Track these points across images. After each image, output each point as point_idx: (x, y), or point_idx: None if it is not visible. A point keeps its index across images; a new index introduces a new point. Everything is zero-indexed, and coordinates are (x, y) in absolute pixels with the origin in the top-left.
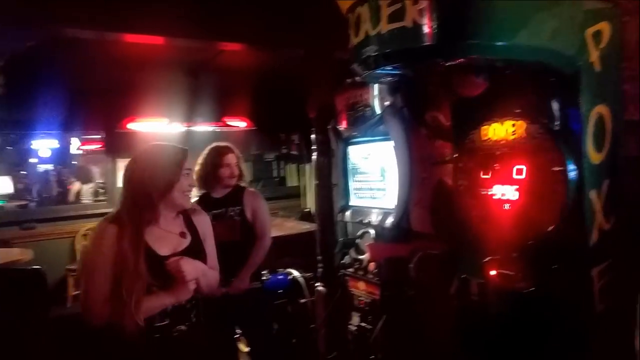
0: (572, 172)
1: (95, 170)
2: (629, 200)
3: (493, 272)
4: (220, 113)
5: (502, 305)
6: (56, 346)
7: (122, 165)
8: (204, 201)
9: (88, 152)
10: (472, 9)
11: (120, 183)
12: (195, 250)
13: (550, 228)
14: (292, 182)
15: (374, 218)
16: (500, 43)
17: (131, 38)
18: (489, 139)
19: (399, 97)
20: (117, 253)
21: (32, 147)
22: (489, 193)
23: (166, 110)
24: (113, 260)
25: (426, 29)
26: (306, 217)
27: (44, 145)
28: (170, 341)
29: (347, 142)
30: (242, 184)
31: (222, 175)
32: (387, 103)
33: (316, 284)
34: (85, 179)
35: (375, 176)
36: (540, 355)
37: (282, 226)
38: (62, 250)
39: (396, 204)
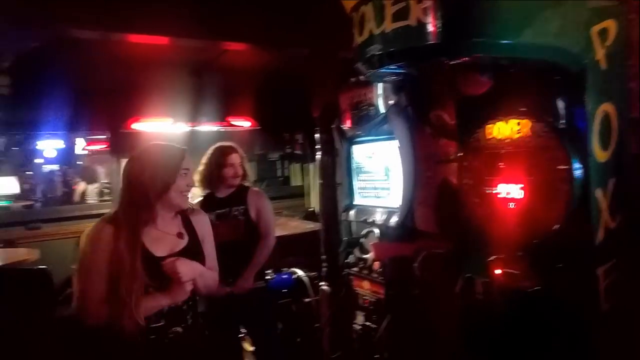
0: (577, 170)
1: (100, 171)
2: (635, 198)
3: (498, 271)
4: (224, 113)
5: (507, 305)
6: (62, 345)
7: None
8: (208, 201)
9: (93, 153)
10: (477, 7)
11: None
12: (193, 251)
13: (555, 227)
14: (296, 181)
15: (378, 217)
16: (505, 41)
17: (135, 38)
18: (493, 137)
19: (403, 96)
20: (113, 254)
21: (37, 147)
22: (494, 192)
23: (170, 110)
24: (109, 260)
25: (430, 28)
26: (310, 216)
27: (49, 146)
28: (166, 343)
29: (351, 141)
30: (246, 184)
31: (226, 175)
32: (391, 102)
33: (320, 283)
34: (91, 179)
35: (380, 175)
36: (546, 355)
37: (286, 225)
38: (68, 250)
39: (400, 203)
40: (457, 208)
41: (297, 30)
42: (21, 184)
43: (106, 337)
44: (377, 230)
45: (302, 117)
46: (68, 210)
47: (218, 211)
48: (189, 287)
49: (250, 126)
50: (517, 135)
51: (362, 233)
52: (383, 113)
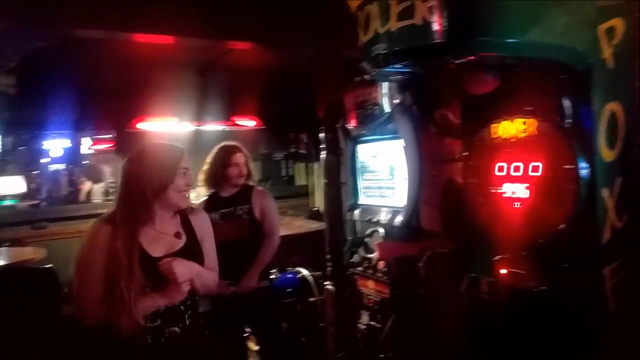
0: (583, 170)
1: (106, 170)
2: None
3: (503, 271)
4: (229, 112)
5: (512, 305)
6: (67, 344)
7: None
8: (212, 200)
9: (99, 152)
10: (482, 6)
11: None
12: (191, 251)
13: (561, 226)
14: (300, 181)
15: (383, 216)
16: (510, 40)
17: (140, 38)
18: (499, 136)
19: (408, 95)
20: (110, 253)
21: (43, 147)
22: (499, 191)
23: (175, 109)
24: (106, 260)
25: (436, 27)
26: (315, 216)
27: (55, 145)
28: (162, 342)
29: (356, 140)
30: (251, 183)
31: (231, 175)
32: (396, 101)
33: (325, 283)
34: (96, 178)
35: (384, 174)
36: (551, 355)
37: (290, 225)
38: (73, 249)
39: (405, 202)
40: (462, 207)
41: (302, 30)
42: (27, 183)
43: (104, 337)
44: (381, 230)
45: (306, 117)
46: (74, 210)
47: (222, 210)
48: (185, 287)
49: (255, 125)
50: (522, 135)
51: (366, 232)
52: (388, 112)
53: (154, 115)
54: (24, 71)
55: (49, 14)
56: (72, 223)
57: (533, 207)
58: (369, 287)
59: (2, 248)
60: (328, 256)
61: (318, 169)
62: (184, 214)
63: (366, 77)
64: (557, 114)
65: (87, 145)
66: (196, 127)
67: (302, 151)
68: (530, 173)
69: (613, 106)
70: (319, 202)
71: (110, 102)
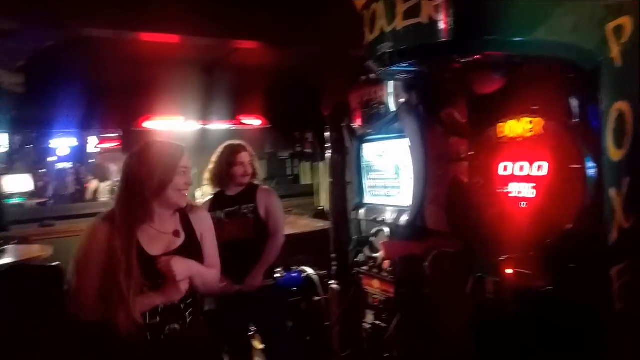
0: (591, 169)
1: (113, 169)
2: None
3: (509, 271)
4: (235, 111)
5: (518, 305)
6: (72, 341)
7: None
8: (218, 199)
9: (105, 151)
10: (489, 4)
11: None
12: (189, 250)
13: (568, 226)
14: (306, 180)
15: (389, 216)
16: (517, 39)
17: (147, 37)
18: (505, 136)
19: (414, 94)
20: (109, 251)
21: (51, 145)
22: (506, 191)
23: (181, 108)
24: (104, 258)
25: (442, 25)
26: (320, 215)
27: (62, 144)
28: (162, 340)
29: (362, 139)
30: (256, 182)
31: (236, 174)
32: (402, 100)
33: (330, 282)
34: (103, 177)
35: (390, 174)
36: (557, 355)
37: (295, 224)
38: None
39: (411, 201)
40: (468, 207)
41: (308, 29)
42: (35, 181)
43: (103, 334)
44: (387, 229)
45: (312, 116)
46: (81, 208)
47: (228, 209)
48: (183, 286)
49: (261, 124)
50: (529, 134)
51: (372, 232)
52: (394, 111)
53: (160, 114)
54: (31, 70)
55: (55, 13)
56: (79, 221)
57: (540, 207)
58: (374, 287)
59: (10, 246)
60: (333, 255)
61: (323, 168)
62: (184, 212)
63: (372, 76)
64: (564, 113)
65: (93, 143)
66: (202, 126)
67: (308, 150)
68: (536, 173)
69: (621, 105)
70: (324, 201)
71: (116, 101)
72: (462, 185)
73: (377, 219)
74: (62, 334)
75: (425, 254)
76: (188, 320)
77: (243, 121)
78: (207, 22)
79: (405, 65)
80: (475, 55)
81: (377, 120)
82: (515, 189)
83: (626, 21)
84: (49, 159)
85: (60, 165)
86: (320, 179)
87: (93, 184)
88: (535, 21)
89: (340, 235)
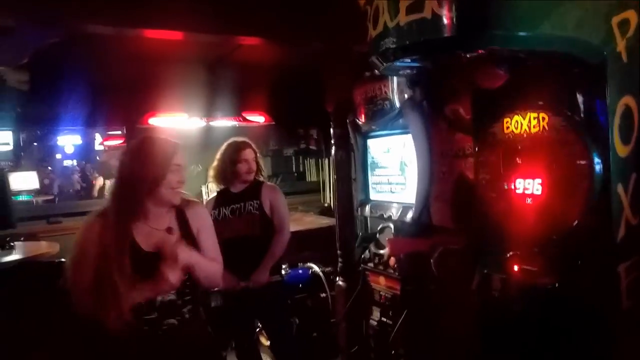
0: (597, 165)
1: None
2: None
3: (515, 268)
4: (238, 108)
5: (524, 302)
6: (77, 337)
7: None
8: (222, 196)
9: (110, 148)
10: None
11: None
12: None
13: (574, 223)
14: (311, 177)
15: (394, 212)
16: (522, 33)
17: (150, 34)
18: (510, 131)
19: (418, 90)
20: (100, 247)
21: (56, 143)
22: (511, 187)
23: (185, 105)
24: (97, 253)
25: (446, 20)
26: (325, 211)
27: (68, 141)
28: (160, 335)
29: (366, 136)
30: (261, 179)
31: (240, 171)
32: (406, 96)
33: (336, 279)
34: (108, 174)
35: (395, 170)
36: (564, 353)
37: (301, 221)
38: None
39: (416, 198)
40: (473, 203)
41: (311, 25)
42: (41, 179)
43: (99, 328)
44: (392, 226)
45: (316, 112)
46: (87, 205)
47: (233, 206)
48: (173, 277)
49: (265, 121)
50: (534, 130)
51: (377, 228)
52: (398, 107)
53: (164, 111)
54: (35, 68)
55: (58, 10)
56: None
57: (546, 203)
58: (380, 283)
59: (18, 242)
60: (339, 252)
61: (329, 164)
62: (180, 209)
63: (376, 72)
64: (570, 109)
65: (98, 141)
66: (206, 123)
67: (313, 147)
68: (542, 169)
69: (627, 100)
70: (329, 198)
71: (120, 98)
72: (467, 182)
73: (383, 216)
74: (69, 330)
75: (431, 250)
76: (187, 317)
77: (247, 118)
78: (210, 19)
79: (408, 60)
80: (479, 51)
81: (382, 116)
82: (521, 186)
83: (631, 15)
84: (55, 157)
85: (66, 163)
86: (325, 175)
87: (99, 181)
88: (540, 15)
89: (346, 232)
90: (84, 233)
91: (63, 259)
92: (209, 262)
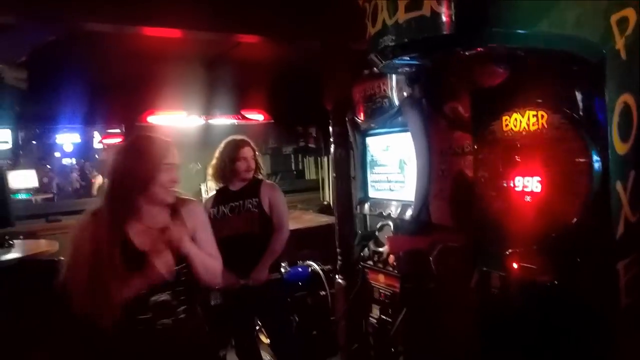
0: (596, 163)
1: None
2: None
3: (514, 265)
4: (237, 106)
5: (523, 299)
6: (75, 335)
7: None
8: (221, 194)
9: (109, 146)
10: None
11: None
12: None
13: (573, 220)
14: (310, 175)
15: (393, 210)
16: (521, 31)
17: (149, 31)
18: (509, 129)
19: (417, 88)
20: (93, 245)
21: (55, 141)
22: (510, 185)
23: (184, 103)
24: (90, 252)
25: (444, 18)
26: (325, 209)
27: (67, 140)
28: (155, 335)
29: (365, 133)
30: (260, 177)
31: (239, 169)
32: (405, 94)
33: (336, 277)
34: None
35: (394, 168)
36: (563, 350)
37: (300, 219)
38: None
39: (415, 196)
40: (472, 201)
41: (310, 23)
42: (40, 177)
43: (96, 327)
44: (392, 224)
45: (315, 110)
46: (86, 203)
47: (232, 204)
48: (163, 268)
49: (264, 119)
50: (533, 127)
51: (377, 226)
52: (397, 105)
53: (163, 109)
54: (34, 65)
55: (57, 8)
56: None
57: (545, 201)
58: (380, 281)
59: (17, 241)
60: (338, 250)
61: (328, 162)
62: (175, 207)
63: (375, 69)
64: (569, 106)
65: (97, 139)
66: (205, 121)
67: (312, 145)
68: (541, 166)
69: (626, 98)
70: (328, 196)
71: (119, 96)
72: (466, 179)
73: (382, 214)
74: (68, 329)
75: (430, 248)
76: (182, 317)
77: (246, 116)
78: (209, 17)
79: (407, 58)
80: (478, 48)
81: (381, 114)
82: (520, 183)
83: (630, 13)
84: (54, 155)
85: (65, 161)
86: (324, 173)
87: (98, 180)
88: (539, 13)
89: (345, 230)
90: (78, 232)
91: (62, 258)
92: (208, 258)
